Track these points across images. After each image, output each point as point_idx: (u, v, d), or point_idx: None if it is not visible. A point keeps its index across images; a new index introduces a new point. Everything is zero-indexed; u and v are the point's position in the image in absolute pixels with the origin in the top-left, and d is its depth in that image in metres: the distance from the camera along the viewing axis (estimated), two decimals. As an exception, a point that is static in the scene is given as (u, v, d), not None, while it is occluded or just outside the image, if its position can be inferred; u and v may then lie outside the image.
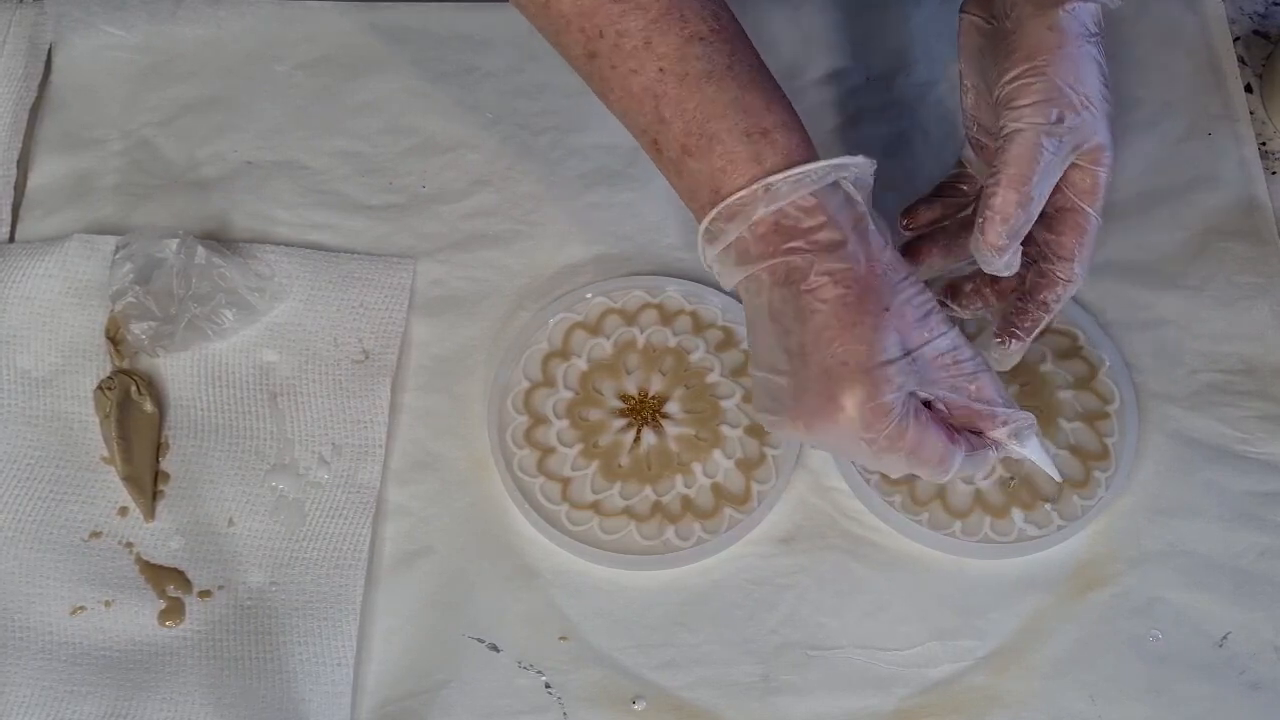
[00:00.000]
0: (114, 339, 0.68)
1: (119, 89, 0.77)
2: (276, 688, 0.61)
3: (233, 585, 0.64)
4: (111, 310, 0.68)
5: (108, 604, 0.63)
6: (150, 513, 0.65)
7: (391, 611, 0.64)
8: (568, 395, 0.68)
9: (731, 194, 0.54)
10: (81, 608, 0.63)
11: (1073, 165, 0.59)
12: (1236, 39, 0.80)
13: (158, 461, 0.66)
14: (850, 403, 0.53)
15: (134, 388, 0.67)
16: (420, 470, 0.67)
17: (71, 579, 0.63)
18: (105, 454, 0.66)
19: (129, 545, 0.64)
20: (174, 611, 0.63)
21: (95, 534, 0.65)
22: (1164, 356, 0.70)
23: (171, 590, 0.63)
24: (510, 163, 0.76)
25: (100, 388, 0.67)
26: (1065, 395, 0.67)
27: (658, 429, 0.67)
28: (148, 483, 0.65)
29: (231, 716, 0.60)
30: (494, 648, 0.63)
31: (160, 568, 0.64)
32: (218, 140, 0.76)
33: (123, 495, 0.65)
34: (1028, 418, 0.57)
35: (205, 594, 0.63)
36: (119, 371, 0.67)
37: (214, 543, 0.65)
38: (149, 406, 0.67)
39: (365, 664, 0.62)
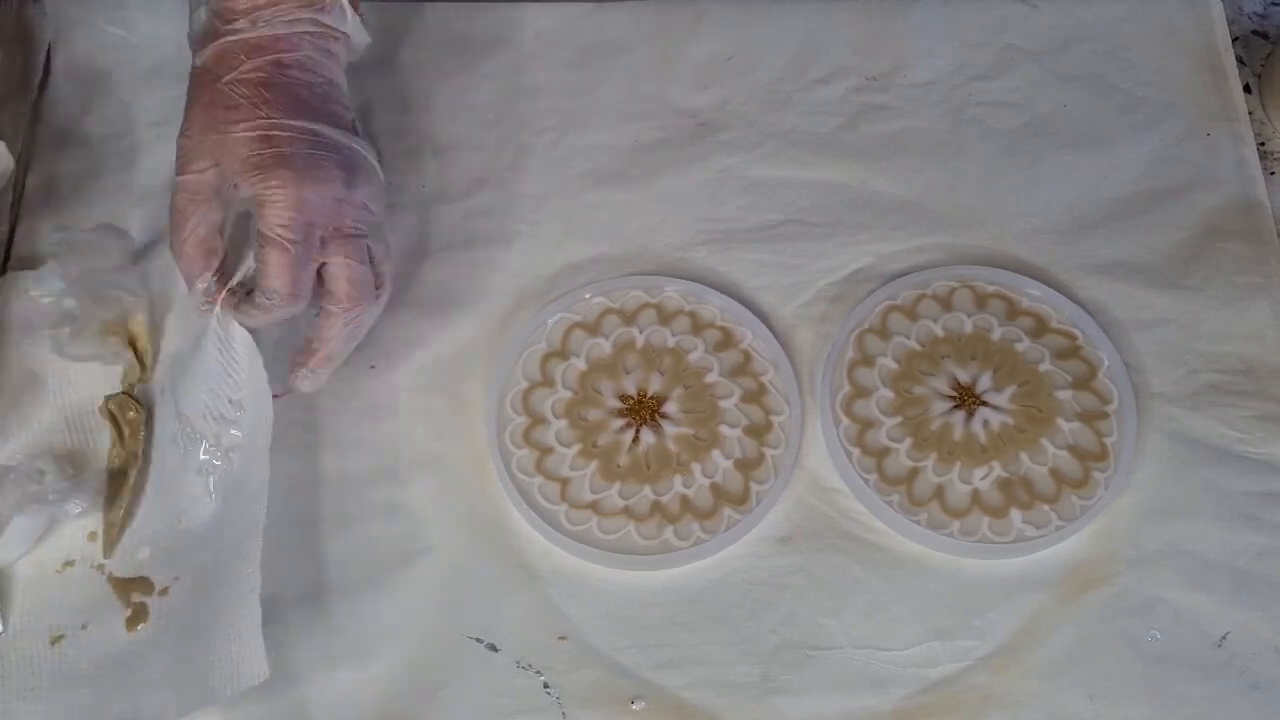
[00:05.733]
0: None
1: (119, 89, 0.77)
2: (200, 649, 0.60)
3: (185, 572, 0.63)
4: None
5: (84, 627, 0.63)
6: (111, 549, 0.65)
7: (391, 611, 0.64)
8: (566, 395, 0.68)
9: None
10: (61, 636, 0.63)
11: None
12: (1235, 39, 0.80)
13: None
14: None
15: (133, 409, 0.67)
16: (419, 470, 0.67)
17: (48, 610, 0.63)
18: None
19: (100, 567, 0.64)
20: (139, 615, 0.63)
21: (67, 563, 0.64)
22: (1164, 356, 0.70)
23: (136, 597, 0.63)
24: (510, 163, 0.76)
25: (119, 406, 0.67)
26: (1064, 395, 0.67)
27: (656, 429, 0.67)
28: (118, 520, 0.65)
29: (182, 694, 0.60)
30: (493, 648, 0.63)
31: (128, 579, 0.64)
32: (218, 140, 0.76)
33: (92, 521, 0.65)
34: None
35: (164, 591, 0.63)
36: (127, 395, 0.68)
37: (170, 541, 0.64)
38: (134, 445, 0.67)
39: (365, 664, 0.62)
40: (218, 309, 0.63)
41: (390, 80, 0.78)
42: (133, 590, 0.64)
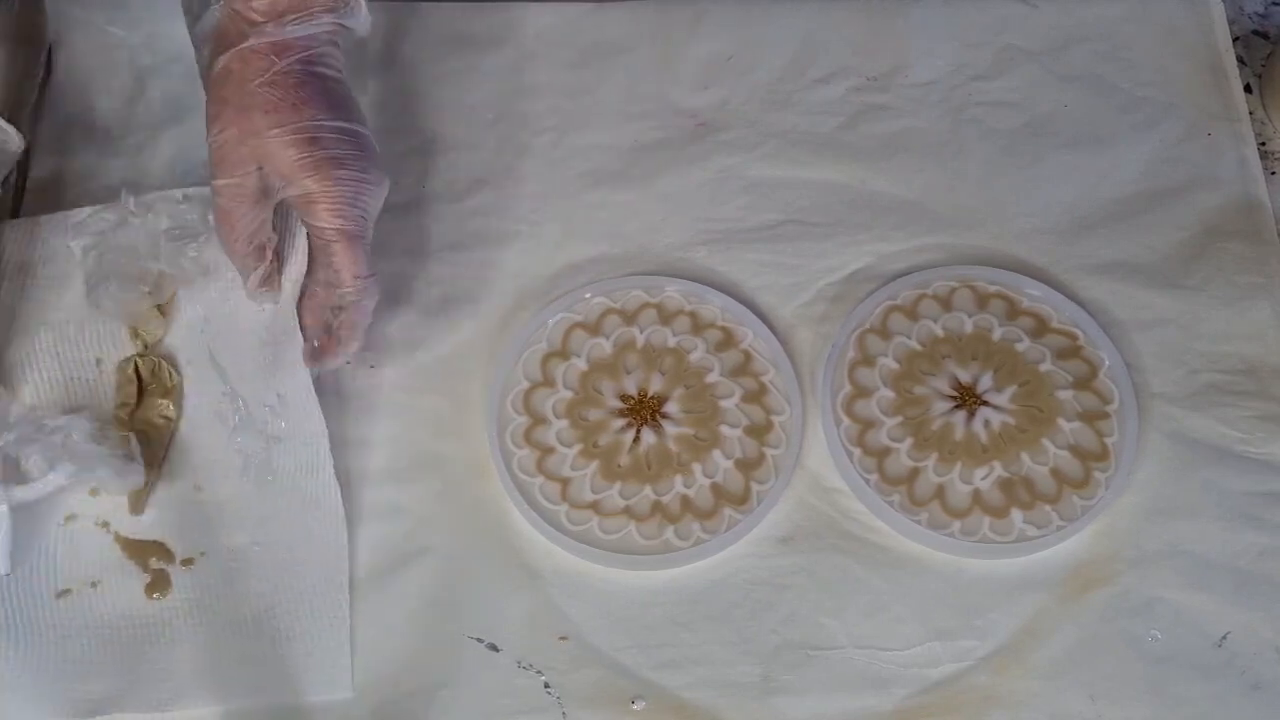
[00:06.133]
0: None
1: (119, 89, 0.77)
2: (274, 648, 0.62)
3: (214, 550, 0.64)
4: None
5: (94, 585, 0.63)
6: (141, 508, 0.65)
7: (391, 611, 0.64)
8: (567, 395, 0.68)
9: None
10: (68, 590, 0.63)
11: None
12: (1236, 39, 0.80)
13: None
14: None
15: (168, 373, 0.67)
16: (420, 470, 0.67)
17: (52, 563, 0.63)
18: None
19: (105, 525, 0.64)
20: (160, 583, 0.63)
21: (70, 517, 0.64)
22: (1164, 356, 0.70)
23: (154, 563, 0.64)
24: (510, 163, 0.76)
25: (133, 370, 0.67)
26: (1065, 395, 0.67)
27: (657, 429, 0.67)
28: (153, 481, 0.65)
29: (232, 682, 0.61)
30: (493, 648, 0.63)
31: (140, 542, 0.64)
32: (218, 140, 0.76)
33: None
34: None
35: (188, 562, 0.64)
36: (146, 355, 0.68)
37: (188, 510, 0.65)
38: (169, 410, 0.67)
39: (365, 664, 0.62)
40: (284, 296, 0.65)
41: (390, 80, 0.78)
42: (148, 554, 0.64)
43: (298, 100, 0.62)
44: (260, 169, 0.62)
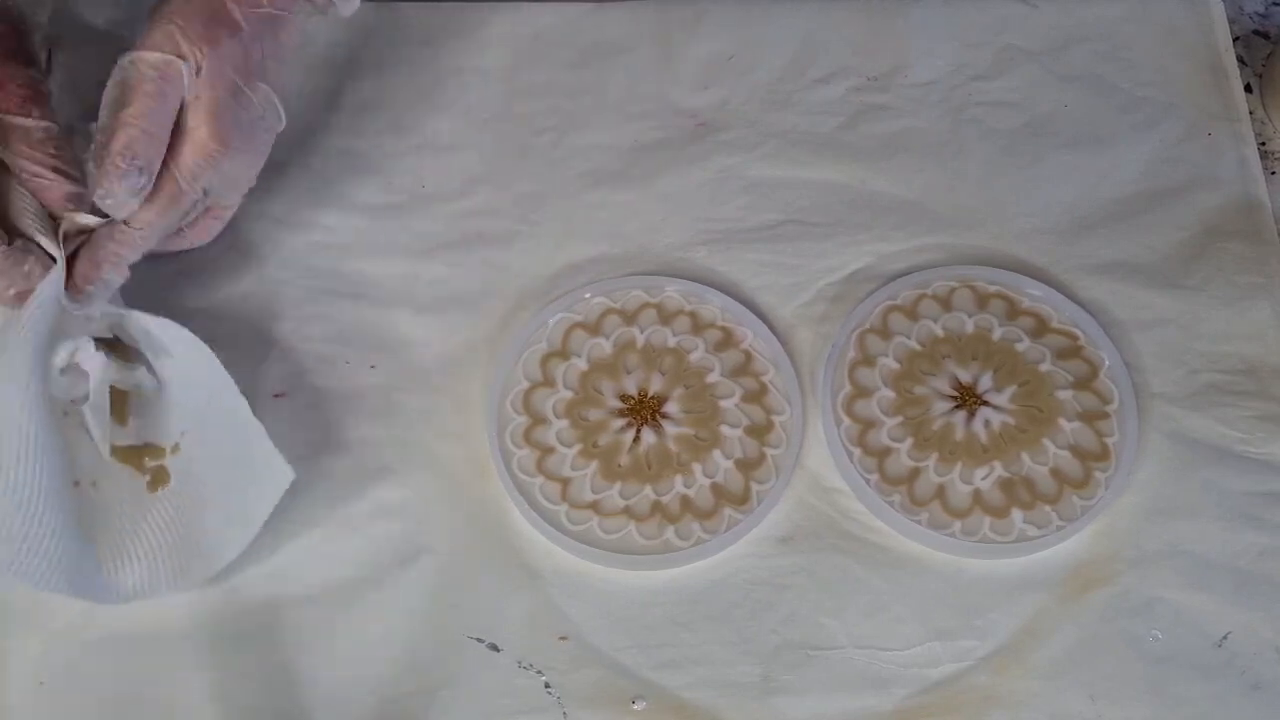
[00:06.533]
0: None
1: (119, 89, 0.77)
2: (234, 501, 0.63)
3: (190, 427, 0.64)
4: None
5: (94, 484, 0.63)
6: (124, 417, 0.65)
7: (391, 611, 0.64)
8: (567, 395, 0.68)
9: None
10: (78, 482, 0.63)
11: None
12: (1236, 39, 0.80)
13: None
14: None
15: None
16: (420, 470, 0.67)
17: (67, 451, 0.62)
18: None
19: (88, 430, 0.64)
20: (159, 478, 0.64)
21: (66, 413, 0.64)
22: (1164, 356, 0.70)
23: (149, 462, 0.64)
24: (510, 163, 0.76)
25: None
26: (1065, 395, 0.67)
27: (657, 429, 0.67)
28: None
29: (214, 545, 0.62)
30: (494, 648, 0.63)
31: (129, 449, 0.64)
32: (217, 140, 0.76)
33: None
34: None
35: (175, 448, 0.64)
36: None
37: (161, 403, 0.64)
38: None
39: (365, 663, 0.62)
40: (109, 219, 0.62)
41: (388, 80, 0.78)
42: (142, 457, 0.64)
43: (259, 54, 0.63)
44: (199, 70, 0.61)
